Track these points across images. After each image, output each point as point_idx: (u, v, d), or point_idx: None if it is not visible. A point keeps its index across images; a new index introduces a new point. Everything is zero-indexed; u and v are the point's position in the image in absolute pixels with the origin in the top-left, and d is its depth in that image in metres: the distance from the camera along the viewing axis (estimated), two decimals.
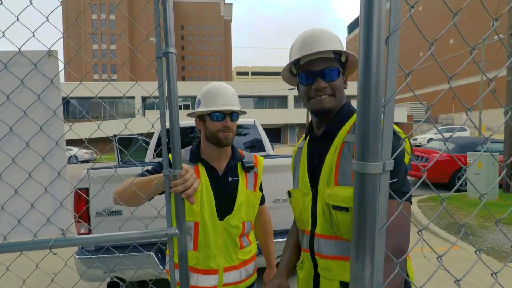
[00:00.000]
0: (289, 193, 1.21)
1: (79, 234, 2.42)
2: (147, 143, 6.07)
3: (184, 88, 39.30)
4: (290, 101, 40.21)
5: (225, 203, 1.38)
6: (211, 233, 1.34)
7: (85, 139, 1.00)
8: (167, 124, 0.97)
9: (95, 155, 25.36)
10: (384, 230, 0.50)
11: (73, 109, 42.35)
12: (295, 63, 1.10)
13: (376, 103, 0.47)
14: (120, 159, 5.78)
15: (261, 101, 42.90)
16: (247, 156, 1.52)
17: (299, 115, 35.60)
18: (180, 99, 40.78)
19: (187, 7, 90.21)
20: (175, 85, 1.00)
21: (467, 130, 23.97)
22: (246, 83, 47.20)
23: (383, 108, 0.49)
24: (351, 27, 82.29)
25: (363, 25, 0.48)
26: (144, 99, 39.19)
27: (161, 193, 1.20)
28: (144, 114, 37.81)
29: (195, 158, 1.41)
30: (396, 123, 38.19)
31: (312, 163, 1.08)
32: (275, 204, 2.63)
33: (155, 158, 3.96)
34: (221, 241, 1.36)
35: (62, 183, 1.00)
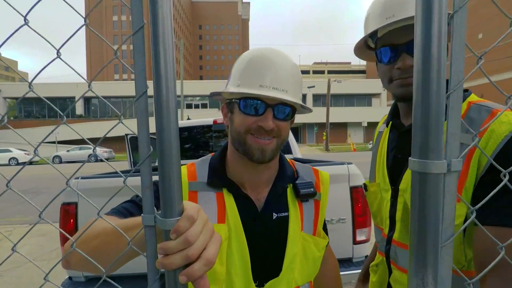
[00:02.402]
0: (365, 186, 1.07)
1: None
2: None
3: (201, 87, 39.25)
4: (309, 100, 39.36)
5: (267, 258, 0.84)
6: None
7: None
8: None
9: (114, 153, 25.48)
10: (451, 241, 0.42)
11: (94, 108, 43.15)
12: (372, 34, 0.88)
13: (439, 92, 0.40)
14: (132, 159, 5.42)
15: None
16: (303, 172, 0.93)
17: (318, 114, 34.70)
18: (197, 98, 40.74)
19: (205, 7, 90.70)
20: (170, 32, 0.45)
21: None
22: None
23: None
24: None
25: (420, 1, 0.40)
26: None
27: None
28: None
29: (219, 178, 0.85)
30: None
31: (395, 158, 0.94)
32: None
33: None
34: None
35: None
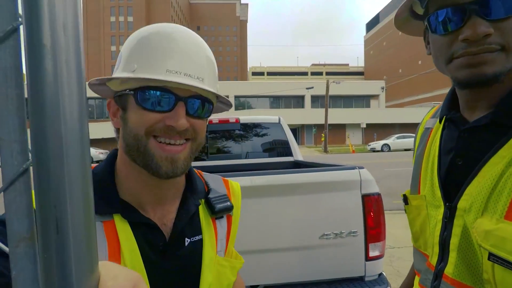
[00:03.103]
0: (405, 198, 0.83)
1: None
2: None
3: None
4: (307, 101, 39.20)
5: None
6: None
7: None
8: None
9: None
10: None
11: (91, 109, 42.79)
12: None
13: None
14: None
15: (277, 101, 42.04)
16: (213, 184, 0.78)
17: (316, 115, 34.52)
18: None
19: (203, 8, 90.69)
20: None
21: None
22: (262, 82, 46.44)
23: None
24: (370, 25, 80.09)
25: None
26: None
27: None
28: None
29: (107, 201, 0.61)
30: (418, 124, 36.44)
31: (452, 164, 0.67)
32: (324, 241, 1.78)
33: None
34: None
35: None
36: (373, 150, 25.46)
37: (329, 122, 29.03)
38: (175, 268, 0.66)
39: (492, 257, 0.57)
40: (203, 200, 0.73)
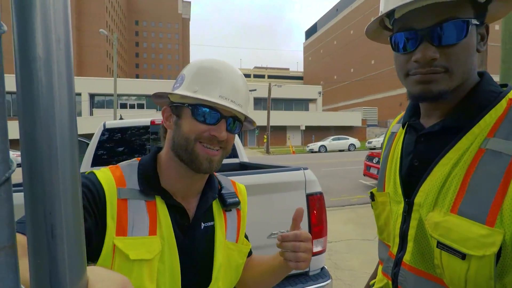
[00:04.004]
0: (372, 195, 0.92)
1: None
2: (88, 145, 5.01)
3: (138, 86, 37.00)
4: (251, 103, 39.77)
5: (196, 270, 0.83)
6: None
7: None
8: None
9: None
10: None
11: (8, 106, 37.63)
12: (390, 13, 0.72)
13: None
14: None
15: None
16: (224, 183, 0.98)
17: (259, 117, 35.25)
18: (133, 98, 38.32)
19: (142, 2, 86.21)
20: None
21: None
22: None
23: None
24: (309, 32, 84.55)
25: None
26: (92, 96, 36.02)
27: None
28: (91, 113, 34.81)
29: (152, 186, 0.81)
30: (350, 127, 39.73)
31: (411, 165, 0.78)
32: (272, 240, 1.84)
33: (93, 167, 3.00)
34: None
35: None
36: (312, 151, 26.90)
37: (271, 124, 29.89)
38: (193, 245, 0.83)
39: (440, 245, 0.66)
40: (217, 195, 0.92)
